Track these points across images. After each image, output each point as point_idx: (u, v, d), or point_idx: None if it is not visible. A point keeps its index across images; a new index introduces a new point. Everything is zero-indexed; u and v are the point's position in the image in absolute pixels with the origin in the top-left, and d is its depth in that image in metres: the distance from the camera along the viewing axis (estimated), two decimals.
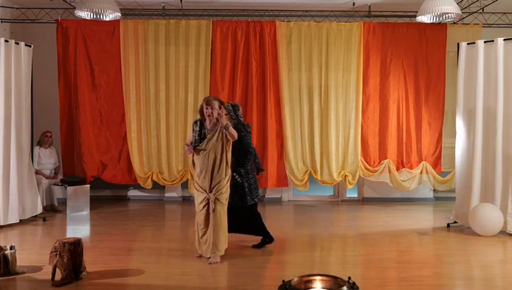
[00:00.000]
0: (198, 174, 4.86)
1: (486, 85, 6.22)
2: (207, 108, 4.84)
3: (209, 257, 4.84)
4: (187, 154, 5.08)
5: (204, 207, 4.86)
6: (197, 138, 4.90)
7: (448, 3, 6.14)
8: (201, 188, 4.88)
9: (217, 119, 4.81)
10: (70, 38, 7.84)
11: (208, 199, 4.83)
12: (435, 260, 5.11)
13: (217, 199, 4.82)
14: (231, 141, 4.88)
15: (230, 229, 5.05)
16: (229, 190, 4.95)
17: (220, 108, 4.86)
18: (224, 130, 4.79)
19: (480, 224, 5.89)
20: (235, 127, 4.98)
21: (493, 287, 4.25)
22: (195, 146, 4.87)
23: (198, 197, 4.92)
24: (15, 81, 6.44)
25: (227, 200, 4.94)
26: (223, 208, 4.86)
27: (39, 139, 7.54)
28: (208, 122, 4.89)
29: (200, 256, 4.97)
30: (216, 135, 4.83)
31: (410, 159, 8.03)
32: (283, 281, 2.54)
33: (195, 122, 4.98)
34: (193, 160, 4.99)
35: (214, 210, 4.81)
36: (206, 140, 4.83)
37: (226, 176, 4.86)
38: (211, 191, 4.82)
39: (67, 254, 4.17)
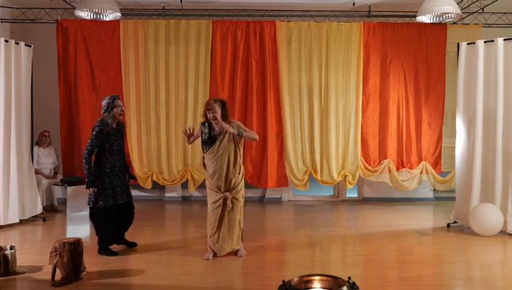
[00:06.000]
0: (212, 176, 4.90)
1: (486, 85, 6.22)
2: (209, 112, 4.82)
3: (238, 250, 5.00)
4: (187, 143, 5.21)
5: (218, 206, 4.90)
6: (206, 140, 4.91)
7: (448, 3, 6.14)
8: (216, 188, 4.91)
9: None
10: (70, 38, 7.83)
11: (224, 199, 4.87)
12: (435, 260, 5.11)
13: (234, 198, 4.90)
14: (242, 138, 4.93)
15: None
16: (243, 187, 5.04)
17: (222, 108, 4.84)
18: (239, 137, 4.85)
19: (480, 224, 5.89)
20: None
21: (493, 287, 4.25)
22: (207, 149, 4.89)
23: (212, 197, 4.94)
24: (15, 81, 6.43)
25: (243, 197, 5.04)
26: (240, 205, 4.97)
27: (37, 139, 7.54)
28: (214, 125, 4.89)
29: (208, 259, 4.94)
30: (227, 136, 4.84)
31: (410, 159, 8.02)
32: (283, 281, 2.55)
33: (203, 123, 4.96)
34: (203, 161, 5.01)
35: (232, 209, 4.89)
36: (217, 142, 4.84)
37: (240, 173, 4.94)
38: (226, 191, 4.87)
39: (67, 254, 4.17)
